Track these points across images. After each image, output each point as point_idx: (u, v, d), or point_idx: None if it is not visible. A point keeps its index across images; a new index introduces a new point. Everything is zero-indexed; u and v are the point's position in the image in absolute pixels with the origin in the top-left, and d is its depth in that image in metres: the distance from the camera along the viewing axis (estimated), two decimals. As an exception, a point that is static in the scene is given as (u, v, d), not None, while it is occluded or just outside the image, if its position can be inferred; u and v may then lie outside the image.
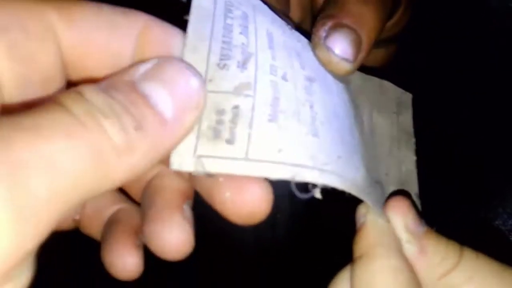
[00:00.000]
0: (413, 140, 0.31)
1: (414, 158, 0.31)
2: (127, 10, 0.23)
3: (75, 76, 0.22)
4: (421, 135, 0.32)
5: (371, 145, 0.30)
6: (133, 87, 0.19)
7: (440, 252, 0.24)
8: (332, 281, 0.25)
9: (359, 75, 0.32)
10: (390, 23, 0.36)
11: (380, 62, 0.41)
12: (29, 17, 0.20)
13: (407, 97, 0.33)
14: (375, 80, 0.33)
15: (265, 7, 0.29)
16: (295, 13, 0.36)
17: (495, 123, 0.41)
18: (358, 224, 0.25)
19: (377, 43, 0.32)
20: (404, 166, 0.31)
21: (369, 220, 0.25)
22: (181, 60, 0.22)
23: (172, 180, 0.26)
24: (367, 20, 0.29)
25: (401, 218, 0.25)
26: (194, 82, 0.20)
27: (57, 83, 0.21)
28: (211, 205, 0.23)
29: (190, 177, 0.25)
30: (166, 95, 0.19)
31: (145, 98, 0.19)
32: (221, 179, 0.22)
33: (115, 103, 0.18)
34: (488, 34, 0.43)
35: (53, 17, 0.20)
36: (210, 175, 0.21)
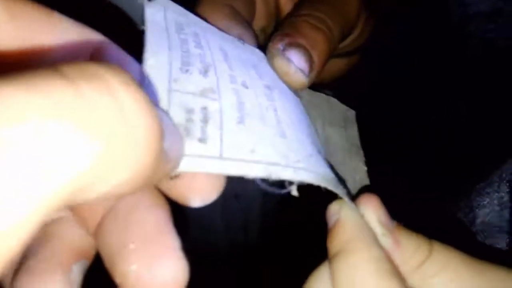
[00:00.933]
0: (362, 152, 0.33)
1: (365, 168, 0.33)
2: (82, 24, 0.21)
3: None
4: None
5: (327, 153, 0.32)
6: None
7: (412, 244, 0.25)
8: (308, 280, 0.25)
9: (308, 91, 0.34)
10: (350, 39, 0.38)
11: (342, 71, 0.43)
12: None
13: (351, 113, 0.36)
14: (323, 96, 0.36)
15: (213, 28, 0.30)
16: (261, 19, 0.38)
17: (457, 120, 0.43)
18: (331, 221, 0.26)
19: (340, 54, 0.36)
20: (357, 175, 0.32)
21: (344, 215, 0.25)
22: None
23: (72, 231, 0.22)
24: (319, 44, 0.32)
25: (375, 212, 0.25)
26: (175, 127, 0.19)
27: None
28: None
29: (96, 231, 0.21)
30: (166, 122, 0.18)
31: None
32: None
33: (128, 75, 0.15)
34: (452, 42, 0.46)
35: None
36: (175, 176, 0.20)
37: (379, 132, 0.38)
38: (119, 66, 0.15)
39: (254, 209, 0.58)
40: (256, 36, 0.35)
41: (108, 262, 0.20)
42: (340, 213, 0.25)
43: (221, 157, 0.21)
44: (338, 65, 0.42)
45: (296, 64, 0.31)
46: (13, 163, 0.11)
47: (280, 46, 0.31)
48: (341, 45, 0.37)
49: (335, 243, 0.24)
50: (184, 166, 0.19)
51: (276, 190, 0.22)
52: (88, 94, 0.13)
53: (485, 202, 0.30)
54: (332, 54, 0.33)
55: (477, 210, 0.31)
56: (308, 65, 0.31)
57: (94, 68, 0.14)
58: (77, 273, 0.21)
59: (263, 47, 0.33)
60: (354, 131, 0.35)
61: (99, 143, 0.13)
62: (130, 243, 0.19)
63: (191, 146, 0.20)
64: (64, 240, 0.21)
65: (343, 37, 0.36)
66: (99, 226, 0.21)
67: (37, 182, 0.12)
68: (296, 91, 0.32)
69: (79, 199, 0.13)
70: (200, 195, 0.21)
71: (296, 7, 0.36)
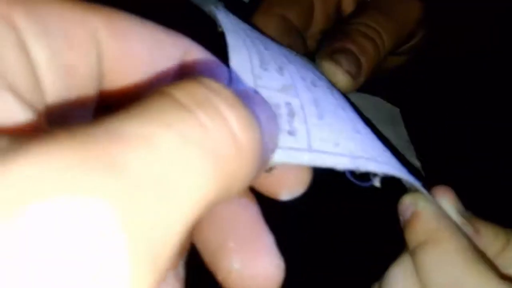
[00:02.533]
0: (412, 147, 0.34)
1: (418, 163, 0.33)
2: (171, 30, 0.21)
3: (107, 94, 0.20)
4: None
5: None
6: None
7: (490, 233, 0.25)
8: (388, 272, 0.25)
9: (354, 93, 0.35)
10: (406, 46, 0.39)
11: (393, 67, 0.43)
12: (74, 24, 0.17)
13: (397, 111, 0.37)
14: (369, 96, 0.37)
15: (268, 37, 0.31)
16: (319, 23, 0.38)
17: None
18: (406, 214, 0.25)
19: (393, 53, 0.36)
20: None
21: (422, 207, 0.25)
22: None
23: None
24: (368, 50, 0.33)
25: (454, 203, 0.26)
26: (275, 117, 0.19)
27: (88, 103, 0.19)
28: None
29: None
30: (260, 115, 0.17)
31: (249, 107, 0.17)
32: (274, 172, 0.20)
33: (236, 94, 0.16)
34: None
35: (98, 24, 0.18)
36: (270, 169, 0.21)
37: (424, 128, 0.39)
38: (222, 84, 0.16)
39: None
40: (306, 48, 0.36)
41: (208, 258, 0.20)
42: (418, 205, 0.25)
43: (310, 149, 0.21)
44: (390, 62, 0.42)
45: (344, 66, 0.32)
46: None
47: (329, 50, 0.32)
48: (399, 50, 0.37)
49: (417, 234, 0.24)
50: (277, 158, 0.20)
51: (363, 183, 0.23)
52: (207, 124, 0.14)
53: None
54: (380, 61, 0.34)
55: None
56: (355, 69, 0.32)
57: (203, 93, 0.15)
58: (181, 266, 0.22)
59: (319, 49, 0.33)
60: (402, 128, 0.36)
61: (220, 172, 0.14)
62: (230, 241, 0.20)
63: (282, 139, 0.20)
64: None
65: (398, 44, 0.36)
66: (198, 224, 0.21)
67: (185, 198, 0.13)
68: (343, 93, 0.32)
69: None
70: (289, 188, 0.21)
71: (354, 12, 0.37)
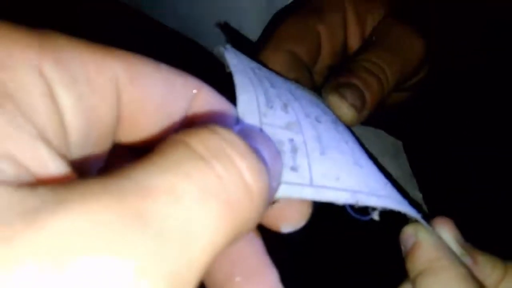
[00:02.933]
0: (414, 180, 0.35)
1: (420, 195, 0.34)
2: (182, 71, 0.22)
3: (124, 137, 0.21)
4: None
5: None
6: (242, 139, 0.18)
7: (489, 263, 0.26)
8: None
9: (358, 126, 0.36)
10: (411, 82, 0.40)
11: (398, 102, 0.45)
12: (95, 69, 0.18)
13: (399, 143, 0.38)
14: (371, 129, 0.37)
15: (273, 72, 0.32)
16: (326, 58, 0.39)
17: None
18: (407, 244, 0.26)
19: (397, 89, 0.37)
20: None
21: (422, 237, 0.26)
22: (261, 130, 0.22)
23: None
24: (372, 86, 0.34)
25: (453, 234, 0.26)
26: (279, 156, 0.20)
27: (106, 144, 0.20)
28: None
29: None
30: (266, 156, 0.19)
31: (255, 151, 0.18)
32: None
33: (246, 143, 0.17)
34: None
35: (118, 70, 0.19)
36: (273, 202, 0.22)
37: (426, 161, 0.39)
38: (234, 133, 0.17)
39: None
40: (313, 82, 0.37)
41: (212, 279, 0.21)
42: (418, 235, 0.26)
43: (311, 184, 0.22)
44: (393, 98, 0.44)
45: (349, 99, 0.33)
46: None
47: (335, 83, 0.34)
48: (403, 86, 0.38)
49: (418, 263, 0.25)
50: (280, 193, 0.21)
51: (362, 217, 0.24)
52: (223, 174, 0.15)
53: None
54: (384, 97, 0.35)
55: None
56: (360, 102, 0.33)
57: (217, 142, 0.16)
58: None
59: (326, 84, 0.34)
60: (404, 160, 0.37)
61: (234, 219, 0.15)
62: (236, 275, 0.21)
63: (285, 175, 0.21)
64: None
65: (402, 80, 0.37)
66: None
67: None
68: (348, 126, 0.33)
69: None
70: (290, 221, 0.23)
71: (360, 49, 0.38)
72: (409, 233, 0.27)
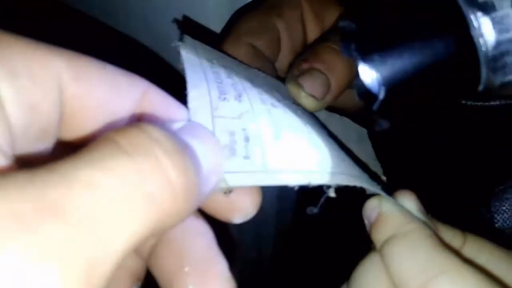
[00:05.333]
0: (379, 164, 0.35)
1: (384, 178, 0.34)
2: (129, 72, 0.22)
3: (67, 133, 0.21)
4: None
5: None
6: (176, 135, 0.18)
7: (449, 233, 0.26)
8: (353, 276, 0.26)
9: (324, 111, 0.36)
10: None
11: (355, 102, 0.44)
12: (38, 65, 0.18)
13: (364, 131, 0.38)
14: (337, 116, 0.38)
15: (236, 61, 0.32)
16: (286, 56, 0.38)
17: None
18: (371, 216, 0.26)
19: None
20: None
21: (386, 207, 0.26)
22: (204, 126, 0.22)
23: (130, 257, 0.24)
24: (337, 68, 0.33)
25: (416, 204, 0.26)
26: (219, 148, 0.21)
27: (50, 139, 0.20)
28: None
29: (150, 254, 0.23)
30: (203, 151, 0.19)
31: (188, 148, 0.19)
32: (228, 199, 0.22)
33: (174, 141, 0.17)
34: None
35: (61, 66, 0.19)
36: (228, 191, 0.22)
37: (391, 145, 0.40)
38: (163, 132, 0.17)
39: (267, 226, 0.58)
40: (275, 71, 0.37)
41: (164, 284, 0.22)
42: (382, 206, 0.26)
43: (264, 170, 0.22)
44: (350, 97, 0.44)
45: (309, 88, 0.33)
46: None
47: (296, 72, 0.33)
48: None
49: (384, 231, 0.25)
50: (234, 182, 0.21)
51: (310, 211, 0.24)
52: (145, 169, 0.16)
53: (504, 208, 0.31)
54: (353, 78, 0.34)
55: (495, 215, 0.32)
56: (322, 89, 0.33)
57: (144, 140, 0.17)
58: None
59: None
60: (369, 146, 0.37)
61: (154, 212, 0.16)
62: (184, 267, 0.21)
63: (238, 164, 0.22)
64: (124, 266, 0.24)
65: None
66: (154, 251, 0.23)
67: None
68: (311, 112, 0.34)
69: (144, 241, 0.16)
70: (241, 212, 0.23)
71: (326, 33, 0.38)
72: (372, 206, 0.26)
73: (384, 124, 0.30)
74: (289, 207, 0.57)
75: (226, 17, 0.43)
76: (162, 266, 0.22)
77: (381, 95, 0.26)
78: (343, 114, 0.38)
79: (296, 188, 0.23)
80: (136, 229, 0.15)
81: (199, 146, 0.19)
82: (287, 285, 0.61)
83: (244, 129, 0.24)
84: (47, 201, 0.14)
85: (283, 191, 0.54)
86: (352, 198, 0.25)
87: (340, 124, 0.37)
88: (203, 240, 0.23)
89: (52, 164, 0.15)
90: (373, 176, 0.28)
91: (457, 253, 0.23)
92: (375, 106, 0.26)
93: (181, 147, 0.18)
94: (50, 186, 0.14)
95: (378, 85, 0.27)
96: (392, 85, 0.27)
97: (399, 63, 0.27)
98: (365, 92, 0.26)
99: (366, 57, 0.28)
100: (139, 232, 0.15)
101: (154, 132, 0.17)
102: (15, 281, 0.13)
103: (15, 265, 0.13)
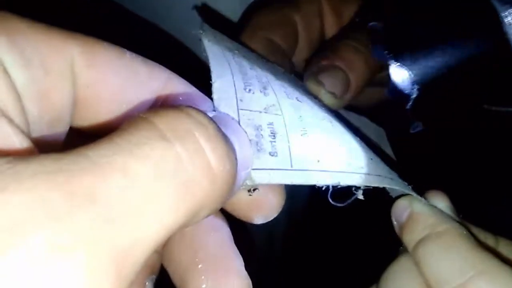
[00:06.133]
0: (396, 164, 0.35)
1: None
2: (150, 61, 0.21)
3: (80, 121, 0.20)
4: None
5: None
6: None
7: (481, 233, 0.25)
8: (383, 278, 0.25)
9: (341, 110, 0.35)
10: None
11: (374, 100, 0.42)
12: (50, 52, 0.18)
13: (382, 130, 0.37)
14: (355, 115, 0.37)
15: (255, 53, 0.31)
16: (303, 50, 0.37)
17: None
18: (402, 216, 0.25)
19: (374, 84, 0.36)
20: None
21: (417, 207, 0.25)
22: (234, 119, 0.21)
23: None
24: (357, 66, 0.32)
25: (448, 204, 0.26)
26: (249, 142, 0.20)
27: (63, 126, 0.19)
28: None
29: (164, 250, 0.23)
30: (236, 144, 0.18)
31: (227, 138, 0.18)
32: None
33: (217, 127, 0.17)
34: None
35: (75, 52, 0.19)
36: (252, 189, 0.21)
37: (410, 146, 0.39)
38: (206, 116, 0.17)
39: (278, 226, 0.58)
40: (292, 66, 0.36)
41: (177, 279, 0.21)
42: (413, 206, 0.25)
43: (292, 169, 0.21)
44: (371, 95, 0.42)
45: (328, 85, 0.32)
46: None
47: (315, 68, 0.32)
48: (382, 75, 0.36)
49: (417, 231, 0.24)
50: (259, 179, 0.20)
51: (339, 204, 0.23)
52: (183, 156, 0.15)
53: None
54: (370, 78, 0.34)
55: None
56: (341, 87, 0.32)
57: (185, 123, 0.16)
58: (150, 287, 0.22)
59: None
60: (387, 147, 0.36)
61: (189, 201, 0.15)
62: (199, 263, 0.21)
63: (264, 160, 0.21)
64: None
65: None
66: (168, 245, 0.22)
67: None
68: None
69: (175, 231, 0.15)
70: (263, 213, 0.22)
71: (344, 30, 0.37)
72: (402, 206, 0.26)
73: (419, 126, 0.29)
74: (300, 206, 0.56)
75: (238, 9, 0.42)
76: (175, 261, 0.22)
77: (414, 94, 0.25)
78: (359, 113, 0.38)
79: (323, 188, 0.22)
80: (170, 220, 0.15)
81: (232, 137, 0.18)
82: (297, 284, 0.60)
83: (270, 124, 0.23)
84: (76, 188, 0.13)
85: (294, 190, 0.53)
86: (366, 199, 0.24)
87: (358, 123, 0.37)
88: (219, 235, 0.22)
89: (81, 148, 0.14)
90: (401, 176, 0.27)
91: (494, 253, 0.23)
92: (408, 105, 0.25)
93: (223, 133, 0.17)
94: (80, 173, 0.13)
95: (410, 84, 0.26)
96: (424, 83, 0.27)
97: (431, 62, 0.27)
98: (397, 93, 0.25)
99: (398, 57, 0.27)
100: (172, 223, 0.15)
101: (198, 115, 0.16)
102: (42, 270, 0.12)
103: (42, 254, 0.12)
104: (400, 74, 0.27)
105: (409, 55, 0.27)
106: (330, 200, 0.22)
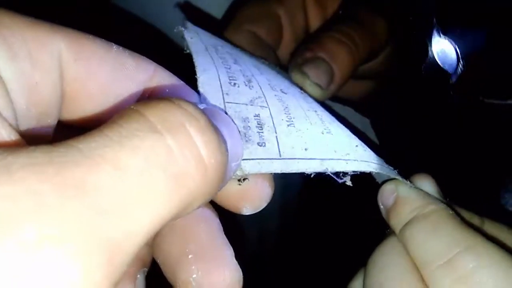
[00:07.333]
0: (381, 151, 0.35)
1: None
2: (136, 54, 0.21)
3: (68, 114, 0.20)
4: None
5: None
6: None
7: (466, 216, 0.25)
8: (371, 260, 0.25)
9: (327, 101, 0.35)
10: (375, 62, 0.38)
11: (358, 93, 0.43)
12: (37, 45, 0.18)
13: (366, 121, 0.37)
14: (340, 106, 0.37)
15: (239, 48, 0.32)
16: (288, 45, 0.38)
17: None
18: (388, 200, 0.26)
19: (357, 77, 0.36)
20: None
21: (404, 191, 0.25)
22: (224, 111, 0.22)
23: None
24: (340, 57, 0.33)
25: (434, 186, 0.26)
26: (239, 133, 0.20)
27: (51, 119, 0.19)
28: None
29: (154, 243, 0.23)
30: (227, 136, 0.19)
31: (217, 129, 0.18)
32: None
33: (208, 119, 0.17)
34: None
35: (62, 46, 0.19)
36: (242, 179, 0.21)
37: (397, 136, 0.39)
38: (197, 108, 0.16)
39: (271, 220, 0.58)
40: (277, 59, 0.36)
41: (167, 270, 0.21)
42: (399, 190, 0.25)
43: (280, 158, 0.22)
44: (354, 88, 0.42)
45: (313, 76, 0.32)
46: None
47: (299, 60, 0.33)
48: (365, 67, 0.37)
49: (404, 214, 0.24)
50: (249, 169, 0.21)
51: (338, 179, 0.23)
52: (173, 148, 0.15)
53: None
54: (355, 69, 0.34)
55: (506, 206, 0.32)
56: (326, 78, 0.32)
57: (177, 115, 0.16)
58: (141, 279, 0.23)
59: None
60: (372, 135, 0.37)
61: (180, 193, 0.15)
62: (189, 254, 0.21)
63: (253, 150, 0.21)
64: None
65: (370, 56, 0.36)
66: (158, 237, 0.22)
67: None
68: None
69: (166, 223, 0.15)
70: (252, 203, 0.22)
71: (328, 22, 0.37)
72: (388, 190, 0.26)
73: (459, 99, 0.29)
74: (292, 201, 0.57)
75: (223, 5, 0.43)
76: (166, 252, 0.22)
77: (459, 69, 0.25)
78: (344, 104, 0.38)
79: (312, 175, 0.22)
80: (161, 211, 0.15)
81: (223, 129, 0.18)
82: (290, 279, 0.60)
83: (257, 115, 0.23)
84: (67, 180, 0.13)
85: (286, 185, 0.53)
86: (357, 191, 0.24)
87: (344, 114, 0.37)
88: (209, 226, 0.22)
89: (71, 141, 0.14)
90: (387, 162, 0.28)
91: (479, 232, 0.23)
92: (453, 79, 0.25)
93: (214, 125, 0.17)
94: (70, 165, 0.13)
95: (457, 58, 0.26)
96: (470, 59, 0.27)
97: (479, 39, 0.27)
98: (437, 69, 0.25)
99: (448, 31, 0.27)
100: (163, 214, 0.15)
101: (189, 107, 0.16)
102: (32, 262, 0.12)
103: (32, 246, 0.12)
104: (445, 48, 0.27)
105: (459, 30, 0.27)
106: (335, 177, 0.23)
